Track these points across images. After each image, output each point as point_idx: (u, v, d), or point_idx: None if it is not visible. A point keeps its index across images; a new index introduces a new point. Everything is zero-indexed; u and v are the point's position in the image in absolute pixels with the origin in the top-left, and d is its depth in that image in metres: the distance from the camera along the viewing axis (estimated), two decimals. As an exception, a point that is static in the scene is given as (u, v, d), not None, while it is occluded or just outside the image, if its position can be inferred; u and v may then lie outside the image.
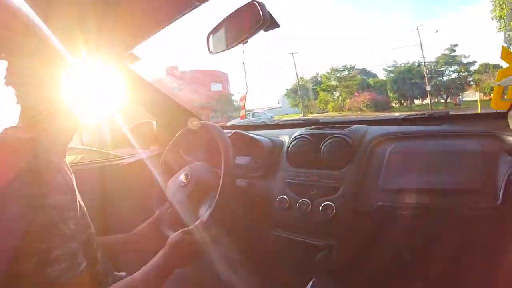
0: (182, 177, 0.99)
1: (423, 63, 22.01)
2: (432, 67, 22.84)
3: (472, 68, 21.98)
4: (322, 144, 1.02)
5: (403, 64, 23.31)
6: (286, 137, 1.14)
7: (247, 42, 0.87)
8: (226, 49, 0.92)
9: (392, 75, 23.77)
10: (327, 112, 24.50)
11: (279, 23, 0.85)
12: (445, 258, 0.97)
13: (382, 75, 25.11)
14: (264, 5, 0.78)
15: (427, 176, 0.87)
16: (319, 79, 26.66)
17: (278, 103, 32.03)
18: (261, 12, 0.77)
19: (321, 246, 0.93)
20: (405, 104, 24.08)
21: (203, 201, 0.94)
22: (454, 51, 22.12)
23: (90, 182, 1.15)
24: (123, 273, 0.81)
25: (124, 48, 1.16)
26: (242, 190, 1.06)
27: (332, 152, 0.99)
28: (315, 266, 0.96)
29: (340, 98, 24.71)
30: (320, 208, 0.92)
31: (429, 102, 21.63)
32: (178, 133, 1.12)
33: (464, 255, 0.91)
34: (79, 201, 0.63)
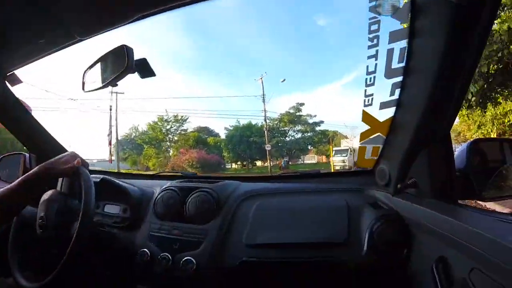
0: (39, 220, 0.87)
1: (263, 119, 19.23)
2: (275, 125, 21.04)
3: (318, 129, 21.02)
4: (189, 198, 1.01)
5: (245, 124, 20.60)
6: (158, 188, 1.10)
7: (116, 85, 0.85)
8: (97, 89, 0.88)
9: (228, 132, 21.08)
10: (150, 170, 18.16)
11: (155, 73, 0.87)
12: None
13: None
14: (131, 50, 0.78)
15: (294, 231, 0.91)
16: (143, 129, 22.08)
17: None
18: (126, 57, 0.76)
19: None
20: (245, 165, 21.66)
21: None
22: (300, 110, 20.85)
23: None
24: None
25: (5, 65, 1.05)
26: (103, 241, 0.96)
27: (197, 206, 0.98)
28: None
29: (164, 154, 20.84)
30: (181, 263, 0.88)
31: (269, 163, 18.52)
32: None
33: None
34: None
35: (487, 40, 0.68)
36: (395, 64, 0.82)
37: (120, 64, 0.78)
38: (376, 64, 0.84)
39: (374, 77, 0.85)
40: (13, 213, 0.86)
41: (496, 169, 0.92)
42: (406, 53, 0.79)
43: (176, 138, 21.02)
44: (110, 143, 17.16)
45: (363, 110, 0.92)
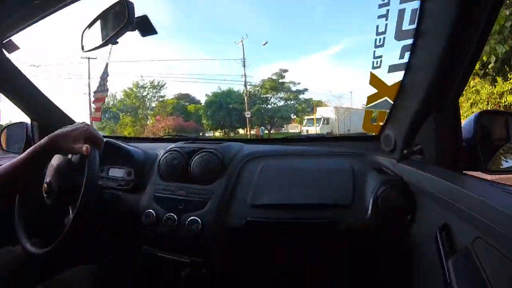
0: (44, 185, 0.87)
1: (243, 84, 18.28)
2: (256, 92, 19.95)
3: (301, 97, 20.04)
4: (193, 158, 1.00)
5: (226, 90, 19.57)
6: (162, 150, 1.10)
7: (117, 42, 0.82)
8: (96, 48, 0.86)
9: (208, 98, 20.00)
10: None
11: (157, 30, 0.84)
12: (321, 273, 1.02)
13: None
14: (132, 5, 0.75)
15: (298, 192, 0.91)
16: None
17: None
18: (127, 12, 0.74)
19: (187, 263, 0.89)
20: (226, 134, 20.70)
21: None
22: (283, 77, 19.71)
23: None
24: None
25: (1, 31, 1.03)
26: (107, 203, 0.97)
27: (202, 166, 0.98)
28: (181, 285, 0.91)
29: (141, 123, 19.75)
30: (186, 223, 0.89)
31: (248, 131, 18.25)
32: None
33: (338, 268, 0.97)
34: None
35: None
36: (406, 26, 0.79)
37: (120, 20, 0.76)
38: (386, 25, 0.80)
39: (384, 38, 0.82)
40: (17, 189, 0.83)
41: (502, 142, 0.91)
42: (418, 15, 0.76)
43: (153, 105, 20.14)
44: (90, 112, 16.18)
45: (371, 73, 0.89)
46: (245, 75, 18.06)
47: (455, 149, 0.80)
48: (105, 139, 1.07)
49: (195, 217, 0.89)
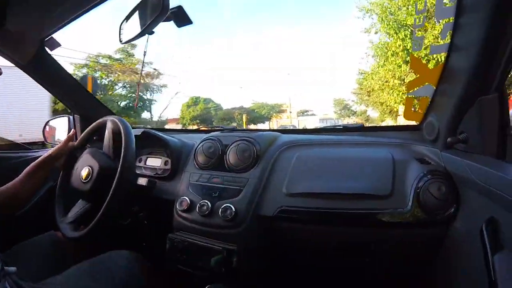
0: (83, 172, 0.93)
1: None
2: None
3: None
4: (229, 147, 1.01)
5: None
6: (199, 140, 1.11)
7: (153, 32, 0.85)
8: (134, 39, 0.89)
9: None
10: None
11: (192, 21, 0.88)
12: (355, 263, 0.99)
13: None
14: (167, -6, 0.76)
15: (335, 181, 0.88)
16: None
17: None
18: (162, 1, 0.75)
19: (219, 250, 0.89)
20: None
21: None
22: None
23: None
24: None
25: (42, 30, 1.07)
26: (143, 189, 0.99)
27: (237, 155, 0.98)
28: (212, 271, 0.91)
29: None
30: (220, 210, 0.89)
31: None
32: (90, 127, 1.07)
33: (375, 260, 0.93)
34: None
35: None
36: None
37: (156, 10, 0.78)
38: (426, 1, 0.75)
39: (425, 17, 0.76)
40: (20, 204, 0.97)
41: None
42: None
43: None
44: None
45: (411, 55, 0.84)
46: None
47: (502, 137, 0.73)
48: (142, 129, 1.14)
49: (229, 204, 0.89)
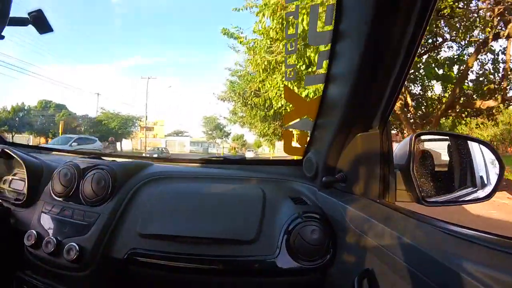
0: None
1: None
2: None
3: None
4: (86, 175, 0.88)
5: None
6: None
7: (3, 37, 0.76)
8: None
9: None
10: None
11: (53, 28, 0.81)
12: None
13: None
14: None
15: (193, 223, 0.77)
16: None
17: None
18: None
19: None
20: None
21: None
22: None
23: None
24: None
25: None
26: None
27: (92, 185, 0.85)
28: None
29: None
30: (64, 249, 0.76)
31: None
32: None
33: None
34: None
35: None
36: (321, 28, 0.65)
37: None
38: (297, 25, 0.64)
39: (296, 40, 0.65)
40: None
41: (442, 169, 0.82)
42: (334, 13, 0.63)
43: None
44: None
45: (285, 85, 0.74)
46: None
47: (385, 177, 0.66)
48: (1, 146, 1.00)
49: (73, 243, 0.76)
